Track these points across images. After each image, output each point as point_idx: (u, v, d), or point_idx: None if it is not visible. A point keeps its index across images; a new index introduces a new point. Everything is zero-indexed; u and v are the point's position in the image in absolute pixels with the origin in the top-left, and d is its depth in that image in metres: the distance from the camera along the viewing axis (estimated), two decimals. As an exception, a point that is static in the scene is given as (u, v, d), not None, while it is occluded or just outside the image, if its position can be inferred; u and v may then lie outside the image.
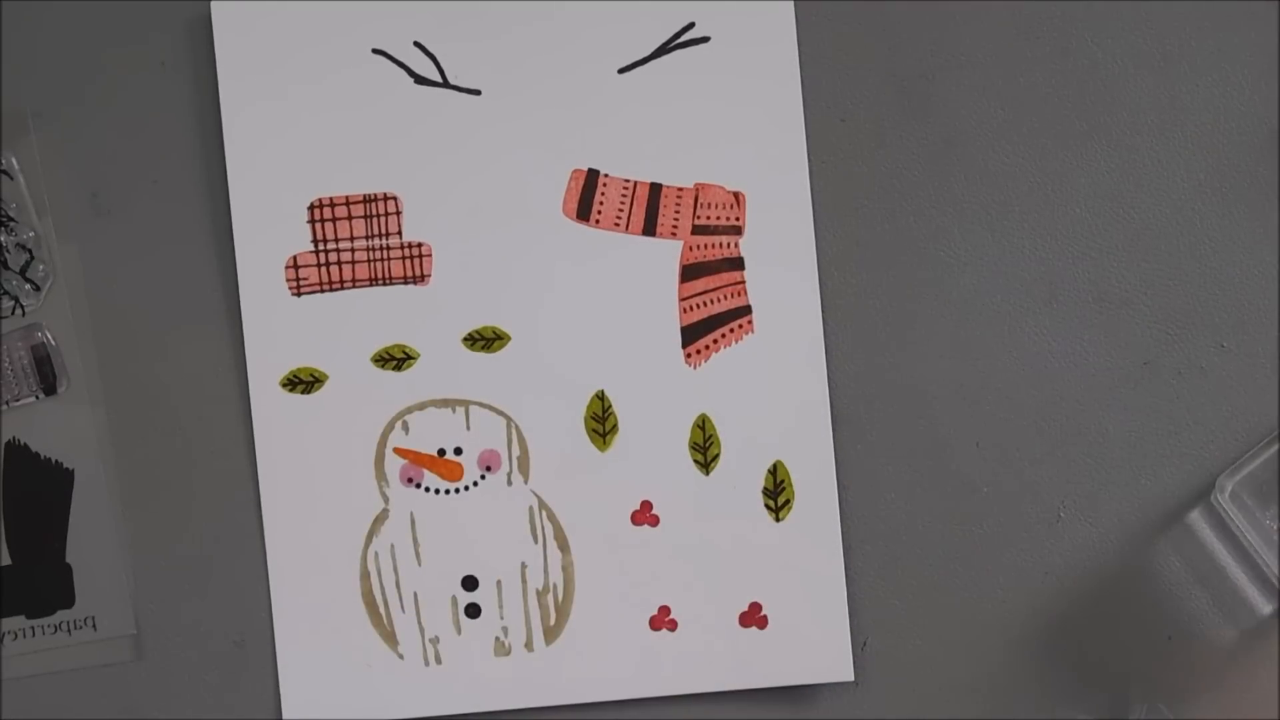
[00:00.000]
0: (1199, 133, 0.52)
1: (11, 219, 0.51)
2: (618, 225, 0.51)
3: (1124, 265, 0.52)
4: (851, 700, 0.52)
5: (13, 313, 0.52)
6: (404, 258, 0.52)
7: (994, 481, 0.52)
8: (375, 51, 0.51)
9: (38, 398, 0.52)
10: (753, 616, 0.52)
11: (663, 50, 0.51)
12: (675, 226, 0.52)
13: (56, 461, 0.53)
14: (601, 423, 0.52)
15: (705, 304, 0.52)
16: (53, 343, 0.52)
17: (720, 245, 0.52)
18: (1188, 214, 0.52)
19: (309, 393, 0.52)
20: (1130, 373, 0.52)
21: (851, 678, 0.52)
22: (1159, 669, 0.52)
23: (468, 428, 0.52)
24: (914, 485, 0.52)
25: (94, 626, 0.53)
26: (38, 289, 0.52)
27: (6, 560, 0.52)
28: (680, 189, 0.51)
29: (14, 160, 0.52)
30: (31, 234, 0.52)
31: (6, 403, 0.52)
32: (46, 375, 0.52)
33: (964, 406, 0.52)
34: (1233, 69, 0.51)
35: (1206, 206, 0.52)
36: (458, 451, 0.52)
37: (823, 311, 0.52)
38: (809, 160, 0.51)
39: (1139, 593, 0.52)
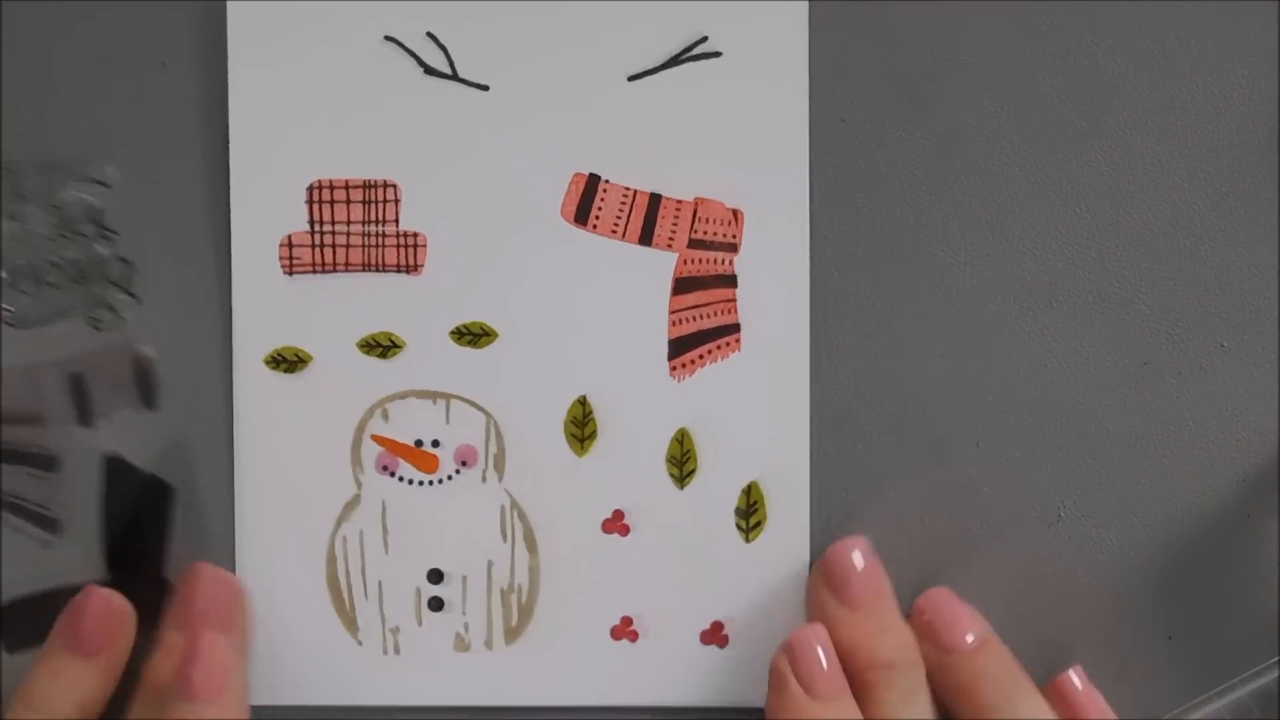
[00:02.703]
0: (1199, 133, 0.52)
1: (112, 231, 0.51)
2: (614, 232, 0.51)
3: (1124, 265, 0.52)
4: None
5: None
6: (399, 245, 0.52)
7: (994, 481, 0.52)
8: (387, 39, 0.51)
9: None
10: (714, 634, 0.52)
11: (674, 61, 0.51)
12: (672, 238, 0.52)
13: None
14: (581, 428, 0.52)
15: (694, 318, 0.52)
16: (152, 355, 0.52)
17: (715, 261, 0.52)
18: (1188, 214, 0.52)
19: (292, 372, 0.52)
20: (1130, 373, 0.52)
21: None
22: (1159, 669, 0.53)
23: (447, 421, 0.52)
24: (914, 485, 0.52)
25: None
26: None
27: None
28: (680, 201, 0.51)
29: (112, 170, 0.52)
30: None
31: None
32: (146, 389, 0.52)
33: (964, 406, 0.52)
34: (1233, 69, 0.51)
35: (1206, 206, 0.52)
36: (435, 444, 0.52)
37: (822, 312, 0.52)
38: (809, 161, 0.51)
39: (1139, 593, 0.52)
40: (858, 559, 0.50)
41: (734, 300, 0.51)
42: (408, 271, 0.52)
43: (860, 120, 0.52)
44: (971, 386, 0.52)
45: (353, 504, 0.52)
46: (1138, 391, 0.52)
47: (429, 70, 0.51)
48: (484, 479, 0.52)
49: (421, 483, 0.52)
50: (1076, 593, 0.52)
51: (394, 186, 0.51)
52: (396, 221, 0.52)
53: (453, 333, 0.52)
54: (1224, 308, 0.52)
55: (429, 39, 0.51)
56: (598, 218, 0.51)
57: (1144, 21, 0.52)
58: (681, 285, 0.52)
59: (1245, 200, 0.52)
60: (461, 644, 0.52)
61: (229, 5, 0.51)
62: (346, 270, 0.52)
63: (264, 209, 0.51)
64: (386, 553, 0.52)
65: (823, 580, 0.50)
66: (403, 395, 0.52)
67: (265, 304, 0.52)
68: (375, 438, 0.52)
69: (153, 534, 0.52)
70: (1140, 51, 0.52)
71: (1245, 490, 0.52)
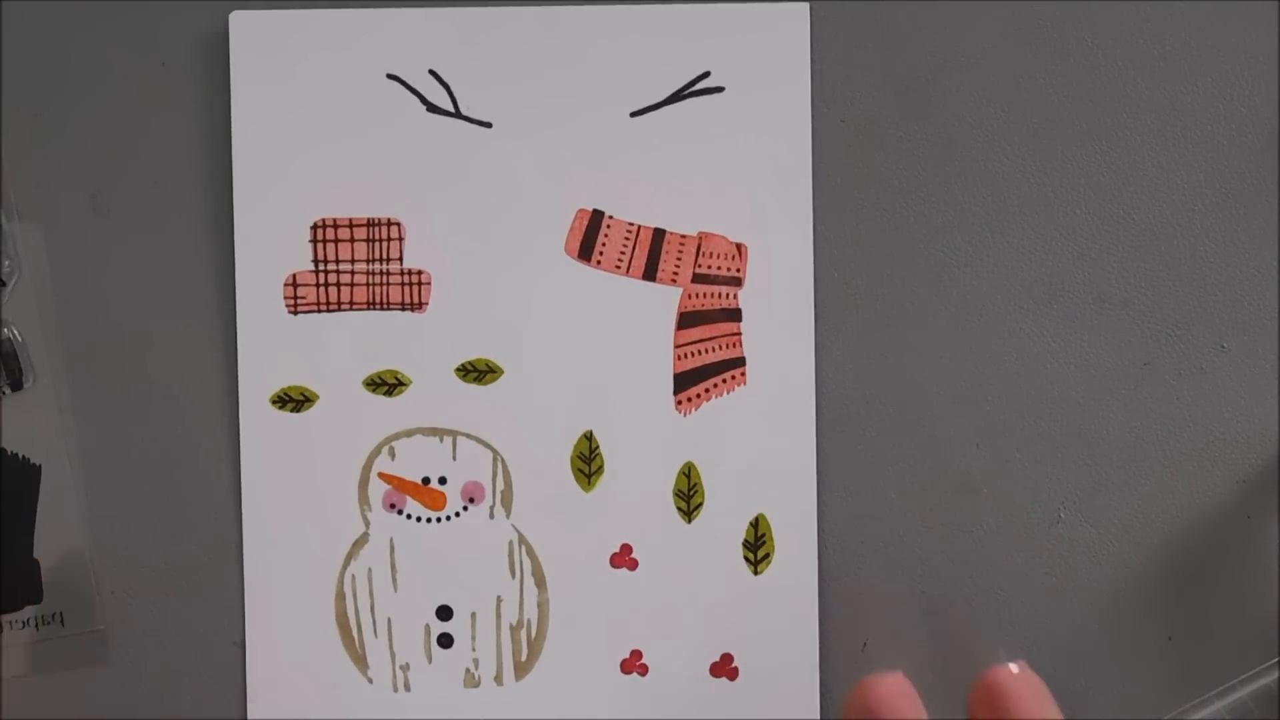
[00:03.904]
0: (1199, 133, 0.52)
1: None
2: (619, 268, 0.52)
3: (1124, 265, 0.52)
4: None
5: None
6: (403, 284, 0.52)
7: (994, 481, 0.53)
8: (390, 77, 0.51)
9: (4, 392, 0.52)
10: (724, 667, 0.52)
11: (677, 97, 0.51)
12: (676, 273, 0.52)
13: (24, 457, 0.52)
14: (588, 463, 0.52)
15: (699, 353, 0.52)
16: (18, 338, 0.52)
17: (719, 295, 0.52)
18: (1188, 214, 0.52)
19: (298, 411, 0.52)
20: (1130, 373, 0.52)
21: (817, 736, 0.52)
22: (1159, 669, 0.53)
23: (454, 458, 0.52)
24: (914, 485, 0.53)
25: (61, 622, 0.53)
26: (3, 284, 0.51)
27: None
28: (684, 236, 0.52)
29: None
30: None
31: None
32: (13, 370, 0.52)
33: (964, 406, 0.52)
34: (1233, 69, 0.52)
35: (1206, 206, 0.52)
36: (442, 481, 0.52)
37: (822, 312, 0.52)
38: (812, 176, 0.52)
39: (1139, 593, 0.53)
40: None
41: (739, 334, 0.52)
42: (412, 309, 0.52)
43: (860, 121, 0.52)
44: (971, 386, 0.52)
45: (361, 542, 0.52)
46: (1138, 391, 0.52)
47: (432, 108, 0.51)
48: (491, 515, 0.52)
49: (429, 520, 0.52)
50: (1076, 593, 0.53)
51: (398, 224, 0.51)
52: (400, 259, 0.52)
53: (458, 370, 0.52)
54: (1224, 308, 0.52)
55: (431, 76, 0.51)
56: (602, 253, 0.52)
57: (1144, 21, 0.52)
58: (686, 320, 0.52)
59: (1245, 200, 0.52)
60: (471, 680, 0.52)
61: (231, 47, 0.51)
62: (351, 309, 0.52)
63: (268, 248, 0.51)
64: (395, 590, 0.52)
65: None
66: (409, 433, 0.52)
67: (270, 343, 0.52)
68: (382, 475, 0.52)
69: (21, 513, 0.52)
70: (1140, 51, 0.52)
71: (1245, 490, 0.53)
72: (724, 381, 0.52)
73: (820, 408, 0.52)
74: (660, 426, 0.52)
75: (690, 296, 0.52)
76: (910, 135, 0.52)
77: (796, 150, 0.51)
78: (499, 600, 0.52)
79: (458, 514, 0.52)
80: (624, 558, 0.52)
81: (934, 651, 0.53)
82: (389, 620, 0.52)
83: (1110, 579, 0.53)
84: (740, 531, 0.52)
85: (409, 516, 0.52)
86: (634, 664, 0.52)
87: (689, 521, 0.52)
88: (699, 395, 0.52)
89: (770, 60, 0.51)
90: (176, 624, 0.53)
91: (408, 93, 0.51)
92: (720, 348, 0.52)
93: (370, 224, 0.51)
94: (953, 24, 0.52)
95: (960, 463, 0.53)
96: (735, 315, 0.52)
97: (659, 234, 0.52)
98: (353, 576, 0.52)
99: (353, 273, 0.51)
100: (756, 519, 0.52)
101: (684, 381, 0.52)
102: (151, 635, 0.53)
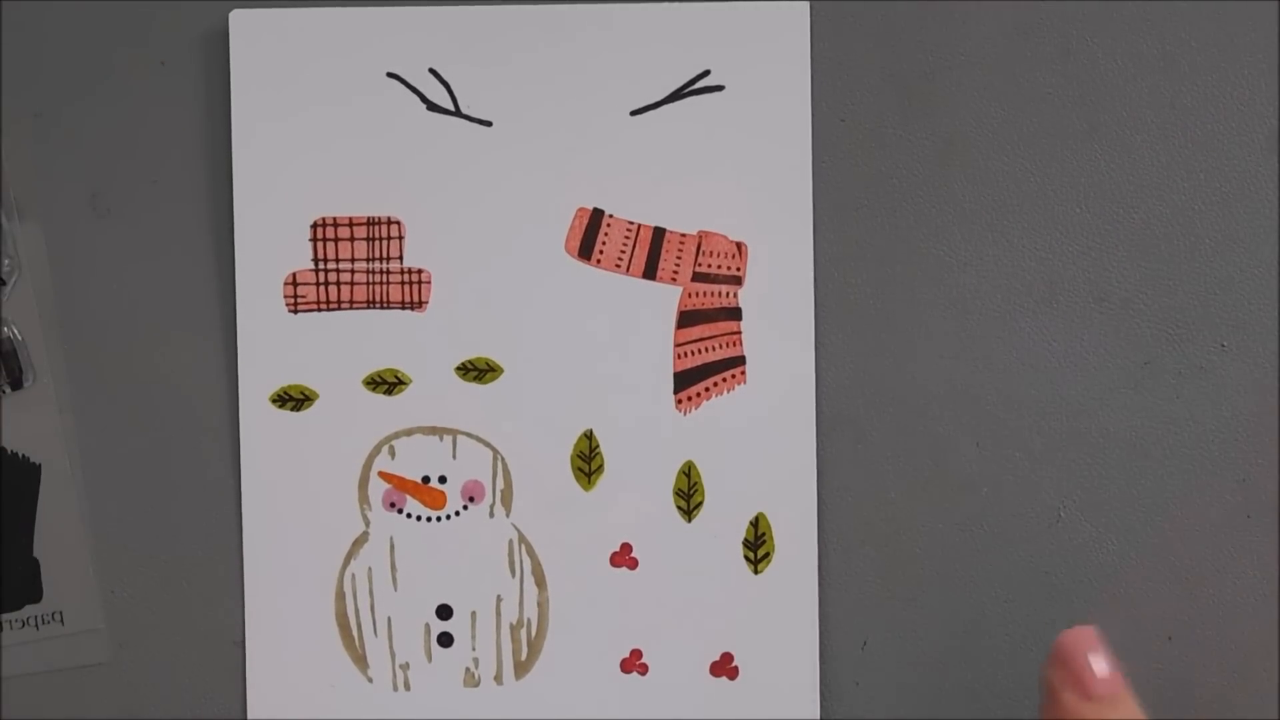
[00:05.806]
0: (1199, 133, 0.52)
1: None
2: (619, 266, 0.52)
3: (1124, 265, 0.52)
4: (851, 700, 0.53)
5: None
6: (403, 283, 0.52)
7: (994, 481, 0.53)
8: (390, 75, 0.51)
9: (4, 392, 0.52)
10: (724, 666, 0.52)
11: (676, 95, 0.51)
12: (676, 272, 0.52)
13: (24, 457, 0.52)
14: (588, 462, 0.52)
15: (700, 351, 0.52)
16: (18, 337, 0.52)
17: (719, 294, 0.52)
18: (1188, 214, 0.52)
19: (298, 410, 0.52)
20: (1130, 373, 0.52)
21: (817, 735, 0.52)
22: (1159, 669, 0.53)
23: (454, 457, 0.52)
24: (914, 486, 0.53)
25: (61, 622, 0.53)
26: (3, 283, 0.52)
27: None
28: (684, 235, 0.52)
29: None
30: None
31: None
32: (13, 369, 0.52)
33: (964, 406, 0.53)
34: (1233, 69, 0.52)
35: (1206, 206, 0.52)
36: (442, 480, 0.52)
37: (823, 312, 0.52)
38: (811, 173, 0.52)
39: (1139, 593, 0.53)
40: (1099, 664, 0.44)
41: (739, 333, 0.52)
42: (412, 308, 0.52)
43: (860, 120, 0.52)
44: (971, 386, 0.52)
45: (361, 541, 0.52)
46: (1138, 391, 0.52)
47: (432, 106, 0.51)
48: (491, 514, 0.52)
49: (429, 519, 0.52)
50: (1076, 593, 0.53)
51: (398, 223, 0.51)
52: (400, 258, 0.52)
53: (458, 369, 0.52)
54: (1224, 308, 0.52)
55: (432, 75, 0.51)
56: (602, 252, 0.52)
57: (1144, 21, 0.52)
58: (686, 319, 0.52)
59: (1245, 200, 0.52)
60: (471, 679, 0.52)
61: (232, 46, 0.51)
62: (351, 307, 0.52)
63: (268, 247, 0.51)
64: (395, 589, 0.52)
65: (1060, 674, 0.44)
66: (409, 432, 0.52)
67: (270, 342, 0.52)
68: (382, 474, 0.52)
69: (21, 513, 0.52)
70: (1140, 51, 0.52)
71: (1245, 490, 0.53)
72: (724, 380, 0.52)
73: (820, 407, 0.52)
74: (660, 425, 0.52)
75: (690, 295, 0.52)
76: (910, 135, 0.52)
77: (796, 149, 0.51)
78: (499, 599, 0.52)
79: (458, 513, 0.52)
80: (624, 557, 0.52)
81: (936, 651, 0.53)
82: (389, 619, 0.52)
83: (1110, 579, 0.53)
84: (740, 531, 0.52)
85: (409, 515, 0.52)
86: (634, 663, 0.52)
87: (689, 520, 0.52)
88: (699, 394, 0.52)
89: (770, 59, 0.51)
90: (176, 624, 0.53)
91: (408, 91, 0.51)
92: (720, 346, 0.52)
93: (370, 223, 0.51)
94: (953, 24, 0.52)
95: (960, 463, 0.53)
96: (735, 314, 0.52)
97: (659, 233, 0.52)
98: (353, 575, 0.52)
99: (353, 271, 0.52)
100: (756, 518, 0.52)
101: (684, 380, 0.52)
102: (151, 635, 0.53)
